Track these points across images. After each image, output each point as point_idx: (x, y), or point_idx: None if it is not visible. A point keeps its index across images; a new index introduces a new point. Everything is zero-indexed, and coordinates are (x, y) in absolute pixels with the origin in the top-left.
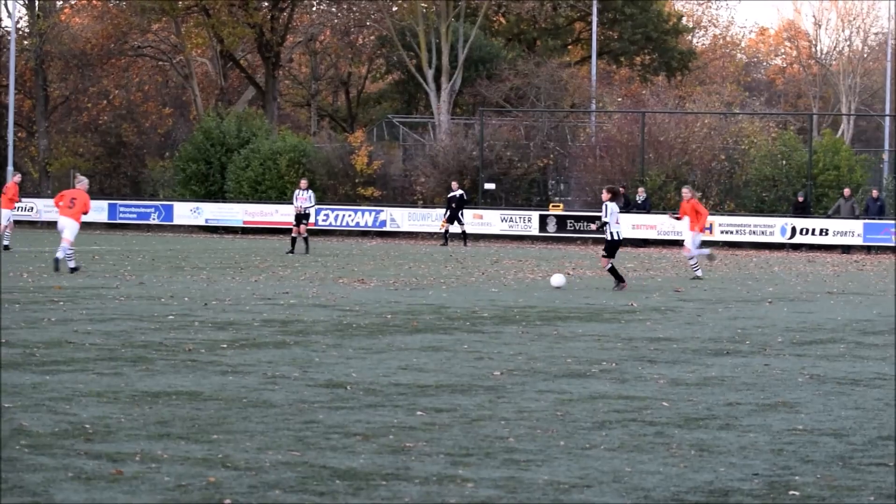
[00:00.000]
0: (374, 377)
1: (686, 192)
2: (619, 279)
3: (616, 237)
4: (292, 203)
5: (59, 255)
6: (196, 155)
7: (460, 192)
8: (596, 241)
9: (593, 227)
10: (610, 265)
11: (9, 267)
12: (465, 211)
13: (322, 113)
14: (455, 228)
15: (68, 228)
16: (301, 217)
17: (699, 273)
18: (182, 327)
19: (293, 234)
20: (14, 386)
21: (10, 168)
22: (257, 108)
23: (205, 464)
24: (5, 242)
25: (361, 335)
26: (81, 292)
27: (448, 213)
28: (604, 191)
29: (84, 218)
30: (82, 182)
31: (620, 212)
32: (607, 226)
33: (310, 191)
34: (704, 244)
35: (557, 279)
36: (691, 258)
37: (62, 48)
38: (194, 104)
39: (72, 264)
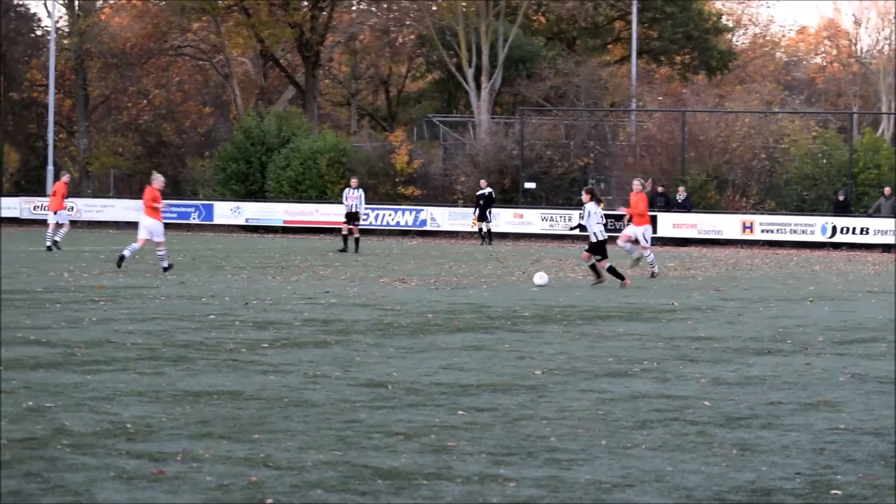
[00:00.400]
0: (416, 376)
1: (637, 184)
2: (599, 275)
3: (599, 237)
4: (342, 202)
5: (164, 263)
6: (236, 154)
7: (489, 190)
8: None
9: (568, 230)
10: (609, 265)
11: (49, 266)
12: (492, 209)
13: (362, 112)
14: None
15: (145, 227)
16: (352, 216)
17: (656, 269)
18: (223, 327)
19: (344, 233)
20: (55, 385)
21: (50, 167)
22: (297, 107)
23: (246, 463)
24: (56, 239)
25: (402, 334)
26: (122, 292)
27: (477, 211)
28: (583, 192)
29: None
30: (156, 180)
31: (662, 211)
32: (588, 227)
33: (360, 190)
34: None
35: (540, 278)
36: (649, 256)
37: (102, 48)
38: (234, 103)
39: (164, 263)
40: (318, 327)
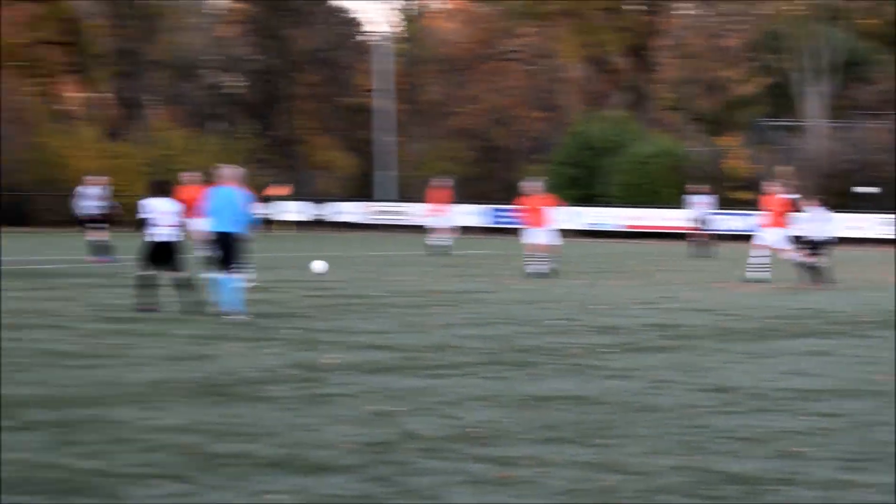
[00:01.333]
0: (759, 381)
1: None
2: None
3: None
4: (685, 207)
5: (537, 268)
6: (569, 159)
7: (705, 196)
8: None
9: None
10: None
11: (386, 269)
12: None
13: (693, 116)
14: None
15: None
16: (699, 221)
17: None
18: (563, 332)
19: (703, 240)
20: (400, 390)
21: (384, 173)
22: (630, 110)
23: (592, 468)
24: (440, 243)
25: (744, 339)
26: (460, 296)
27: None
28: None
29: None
30: (532, 187)
31: None
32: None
33: (707, 196)
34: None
35: (318, 266)
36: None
37: (433, 53)
38: (565, 108)
39: (541, 269)
40: (657, 332)
